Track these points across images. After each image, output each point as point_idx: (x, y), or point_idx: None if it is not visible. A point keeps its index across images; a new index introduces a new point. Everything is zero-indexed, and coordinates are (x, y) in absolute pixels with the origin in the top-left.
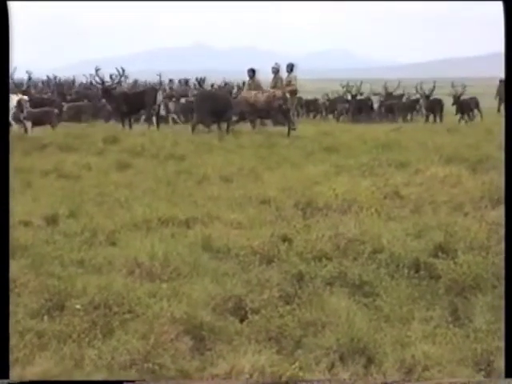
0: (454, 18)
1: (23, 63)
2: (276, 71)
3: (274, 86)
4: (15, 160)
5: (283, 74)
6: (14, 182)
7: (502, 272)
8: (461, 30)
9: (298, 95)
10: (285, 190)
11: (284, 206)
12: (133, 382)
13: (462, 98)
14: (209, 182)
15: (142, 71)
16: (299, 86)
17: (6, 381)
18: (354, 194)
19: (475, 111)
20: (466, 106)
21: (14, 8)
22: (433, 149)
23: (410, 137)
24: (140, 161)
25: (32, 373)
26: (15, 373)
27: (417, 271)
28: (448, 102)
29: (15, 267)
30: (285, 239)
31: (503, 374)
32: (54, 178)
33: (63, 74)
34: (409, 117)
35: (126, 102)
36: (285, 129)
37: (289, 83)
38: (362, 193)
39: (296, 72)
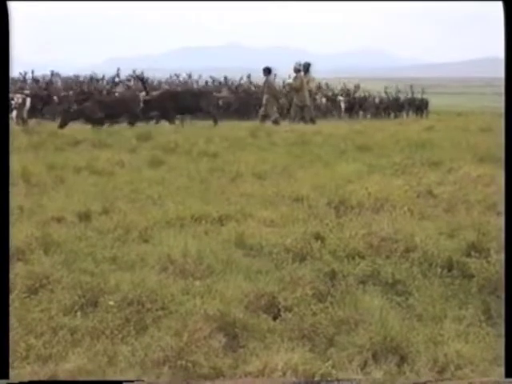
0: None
1: (50, 61)
2: (297, 71)
3: (299, 85)
4: (48, 156)
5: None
6: (47, 178)
7: None
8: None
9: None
10: (317, 188)
11: (317, 204)
12: (132, 381)
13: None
14: (242, 180)
15: (174, 70)
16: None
17: (5, 381)
18: (386, 192)
19: None
20: None
21: (39, 7)
22: (466, 148)
23: (442, 136)
24: (173, 158)
25: (65, 369)
26: (48, 369)
27: (450, 270)
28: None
29: (48, 263)
30: (318, 237)
31: (503, 374)
32: (87, 175)
33: (94, 71)
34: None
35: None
36: (316, 127)
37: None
38: (395, 192)
39: (330, 71)
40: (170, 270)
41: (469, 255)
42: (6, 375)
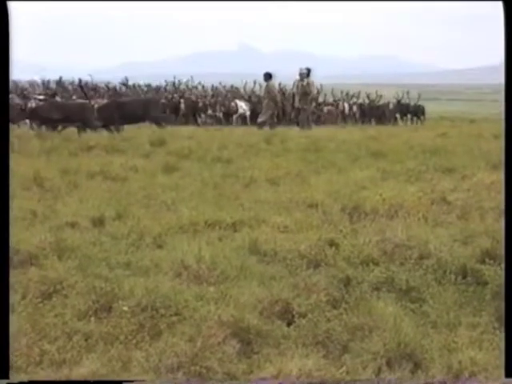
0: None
1: (63, 64)
2: (306, 75)
3: (303, 92)
4: (62, 161)
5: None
6: (61, 183)
7: None
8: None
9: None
10: (331, 194)
11: (331, 210)
12: (132, 381)
13: None
14: (256, 185)
15: (184, 74)
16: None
17: (5, 381)
18: (400, 199)
19: None
20: None
21: (56, 8)
22: (479, 155)
23: (456, 142)
24: (187, 163)
25: (79, 374)
26: (62, 374)
27: (464, 277)
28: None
29: (62, 268)
30: (332, 243)
31: (503, 374)
32: (100, 180)
33: (107, 76)
34: None
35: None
36: (330, 133)
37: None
38: (409, 198)
39: (341, 76)
40: (184, 276)
41: (483, 262)
42: (6, 375)
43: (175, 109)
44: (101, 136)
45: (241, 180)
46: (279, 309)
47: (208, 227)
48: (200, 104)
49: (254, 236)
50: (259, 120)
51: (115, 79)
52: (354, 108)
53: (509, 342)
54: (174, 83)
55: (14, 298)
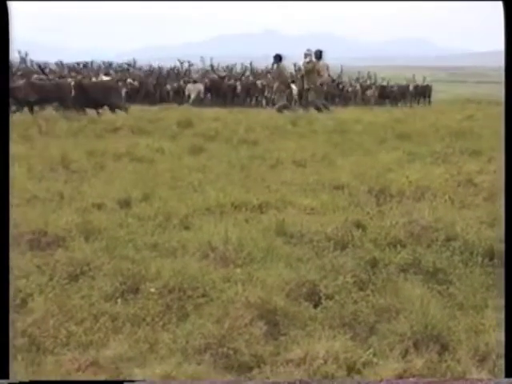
0: None
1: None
2: (308, 56)
3: (309, 72)
4: (88, 143)
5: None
6: (87, 165)
7: None
8: None
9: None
10: (358, 176)
11: (357, 192)
12: (131, 381)
13: None
14: (282, 167)
15: (209, 57)
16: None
17: (6, 381)
18: (427, 181)
19: None
20: None
21: None
22: None
23: (482, 125)
24: (213, 145)
25: (106, 355)
26: (89, 356)
27: (491, 259)
28: None
29: (89, 250)
30: (358, 225)
31: (503, 374)
32: (127, 162)
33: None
34: None
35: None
36: (356, 115)
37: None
38: (436, 180)
39: (369, 59)
40: (211, 258)
41: None
42: (6, 375)
43: (232, 90)
44: (127, 117)
45: (267, 162)
46: (306, 290)
47: (235, 209)
48: (259, 85)
49: (281, 218)
50: (277, 105)
51: (140, 61)
52: (373, 89)
53: (509, 342)
54: (228, 66)
55: (41, 279)
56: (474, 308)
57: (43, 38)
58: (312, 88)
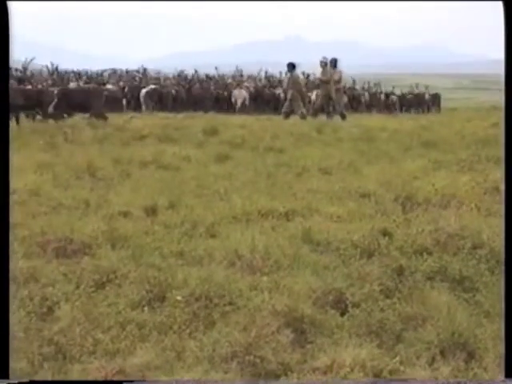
0: None
1: (115, 53)
2: (324, 64)
3: (326, 80)
4: (114, 150)
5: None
6: (113, 173)
7: None
8: None
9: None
10: (384, 183)
11: (383, 199)
12: (131, 381)
13: None
14: (308, 175)
15: (232, 64)
16: (394, 80)
17: (5, 381)
18: (453, 189)
19: None
20: None
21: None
22: None
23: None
24: (239, 153)
25: (133, 363)
26: (116, 364)
27: None
28: None
29: (115, 258)
30: (385, 233)
31: (503, 374)
32: (153, 169)
33: (157, 64)
34: None
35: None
36: (382, 123)
37: (335, 79)
38: (462, 188)
39: (391, 66)
40: (238, 266)
41: None
42: (6, 375)
43: (276, 98)
44: (153, 125)
45: (293, 169)
46: (333, 298)
47: (261, 216)
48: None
49: (307, 225)
50: (284, 110)
51: (165, 68)
52: (394, 98)
53: (509, 342)
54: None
55: (67, 287)
56: (501, 316)
57: (68, 45)
58: (331, 96)
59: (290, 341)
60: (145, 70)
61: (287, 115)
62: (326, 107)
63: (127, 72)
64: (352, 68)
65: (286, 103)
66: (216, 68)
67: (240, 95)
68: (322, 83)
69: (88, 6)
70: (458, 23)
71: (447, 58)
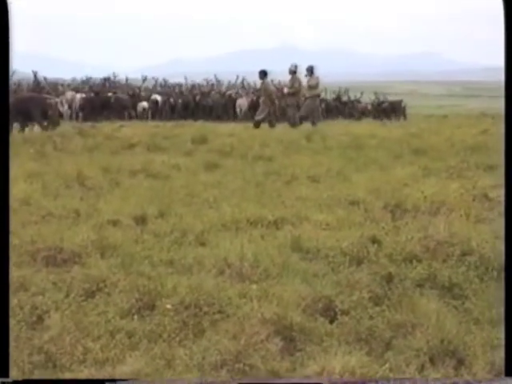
0: None
1: (112, 62)
2: (293, 72)
3: (291, 87)
4: (104, 159)
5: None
6: (103, 181)
7: None
8: None
9: None
10: (373, 191)
11: (372, 207)
12: (127, 380)
13: None
14: (297, 183)
15: (225, 72)
16: (382, 88)
17: (6, 380)
18: (442, 196)
19: None
20: None
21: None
22: None
23: (497, 139)
24: (228, 161)
25: (123, 372)
26: (106, 373)
27: None
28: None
29: (105, 267)
30: (374, 240)
31: (503, 374)
32: (142, 178)
33: (150, 73)
34: None
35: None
36: (371, 130)
37: (310, 85)
38: (451, 195)
39: (386, 74)
40: (227, 274)
41: None
42: (6, 375)
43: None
44: (142, 134)
45: (282, 177)
46: (322, 306)
47: (250, 225)
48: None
49: (297, 233)
50: (256, 118)
51: (163, 76)
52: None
53: (509, 342)
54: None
55: (57, 296)
56: (490, 323)
57: (60, 54)
58: (292, 104)
59: (279, 349)
60: (145, 78)
61: (258, 124)
62: (292, 115)
63: (127, 80)
64: (341, 76)
65: (258, 111)
66: (216, 76)
67: (243, 104)
68: (290, 91)
69: (76, 13)
70: (451, 31)
71: (439, 65)
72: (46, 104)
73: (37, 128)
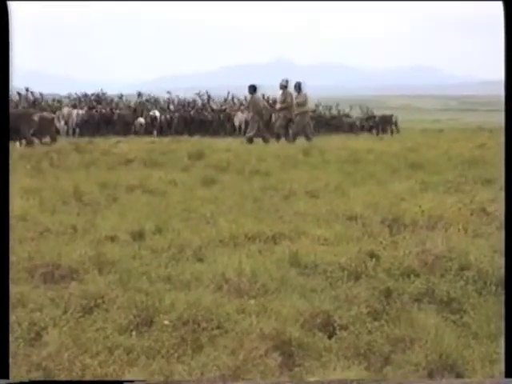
0: None
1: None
2: (284, 87)
3: (283, 102)
4: (100, 175)
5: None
6: (100, 197)
7: None
8: None
9: None
10: (371, 206)
11: (370, 222)
12: (132, 381)
13: None
14: (295, 198)
15: (221, 87)
16: (379, 102)
17: (5, 381)
18: (440, 210)
19: None
20: None
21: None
22: None
23: (494, 153)
24: (225, 176)
25: None
26: None
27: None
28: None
29: (103, 283)
30: (372, 255)
31: (503, 374)
32: (139, 194)
33: (137, 89)
34: None
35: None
36: (369, 145)
37: (298, 103)
38: (448, 209)
39: (380, 88)
40: (225, 289)
41: None
42: (6, 375)
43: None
44: (139, 149)
45: (280, 192)
46: (320, 321)
47: (248, 240)
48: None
49: (294, 248)
50: (247, 135)
51: (157, 91)
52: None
53: (509, 342)
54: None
55: (55, 312)
56: (489, 337)
57: (53, 70)
58: (291, 118)
59: (278, 364)
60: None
61: (250, 140)
62: (283, 130)
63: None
64: (334, 90)
65: (248, 128)
66: (207, 92)
67: (242, 118)
68: (282, 106)
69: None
70: (448, 45)
71: (436, 79)
72: (36, 121)
73: (24, 144)
